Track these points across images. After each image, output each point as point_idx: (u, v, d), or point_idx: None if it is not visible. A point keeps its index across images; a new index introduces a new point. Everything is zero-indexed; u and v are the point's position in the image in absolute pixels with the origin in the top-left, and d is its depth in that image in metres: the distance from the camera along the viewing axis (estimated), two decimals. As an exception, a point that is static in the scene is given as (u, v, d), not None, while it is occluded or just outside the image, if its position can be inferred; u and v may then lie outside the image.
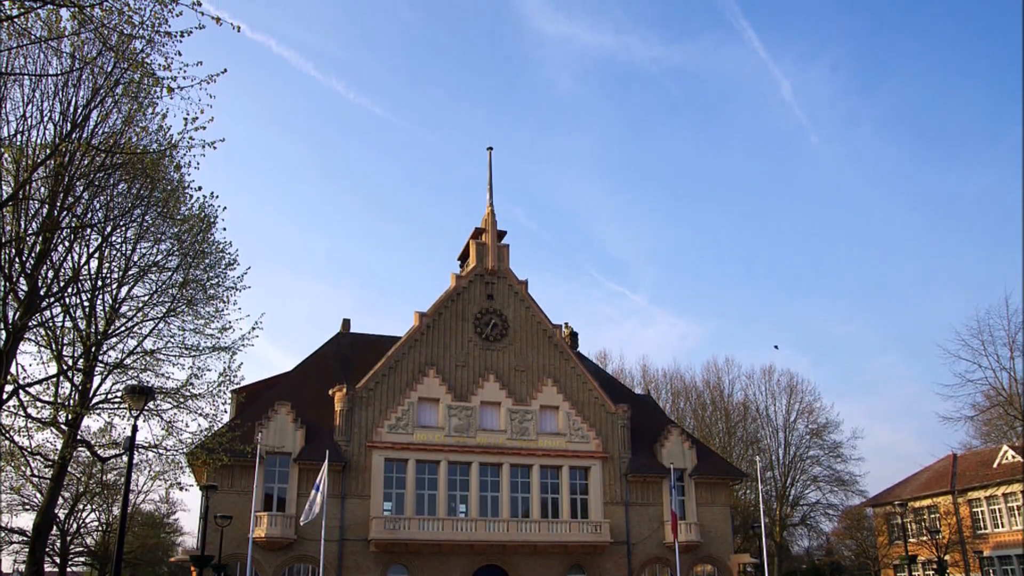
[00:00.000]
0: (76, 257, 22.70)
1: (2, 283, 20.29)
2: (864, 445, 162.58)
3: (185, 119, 17.01)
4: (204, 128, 17.23)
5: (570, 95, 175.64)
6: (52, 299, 21.80)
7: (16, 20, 13.23)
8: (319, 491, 36.79)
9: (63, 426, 22.07)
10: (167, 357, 24.69)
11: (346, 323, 53.03)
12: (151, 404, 22.69)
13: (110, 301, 23.77)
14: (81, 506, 54.93)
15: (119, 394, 23.03)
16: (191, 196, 24.23)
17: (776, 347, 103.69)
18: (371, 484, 43.60)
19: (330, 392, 45.52)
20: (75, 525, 55.49)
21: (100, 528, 60.10)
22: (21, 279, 20.78)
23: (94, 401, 23.14)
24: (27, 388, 21.18)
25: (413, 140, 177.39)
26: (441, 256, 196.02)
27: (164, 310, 24.53)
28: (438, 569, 43.22)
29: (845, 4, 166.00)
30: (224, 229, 36.13)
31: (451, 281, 49.60)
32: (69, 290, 22.48)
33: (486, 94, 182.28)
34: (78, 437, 23.04)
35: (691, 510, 48.95)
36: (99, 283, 23.34)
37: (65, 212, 21.07)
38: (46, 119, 19.94)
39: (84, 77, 19.82)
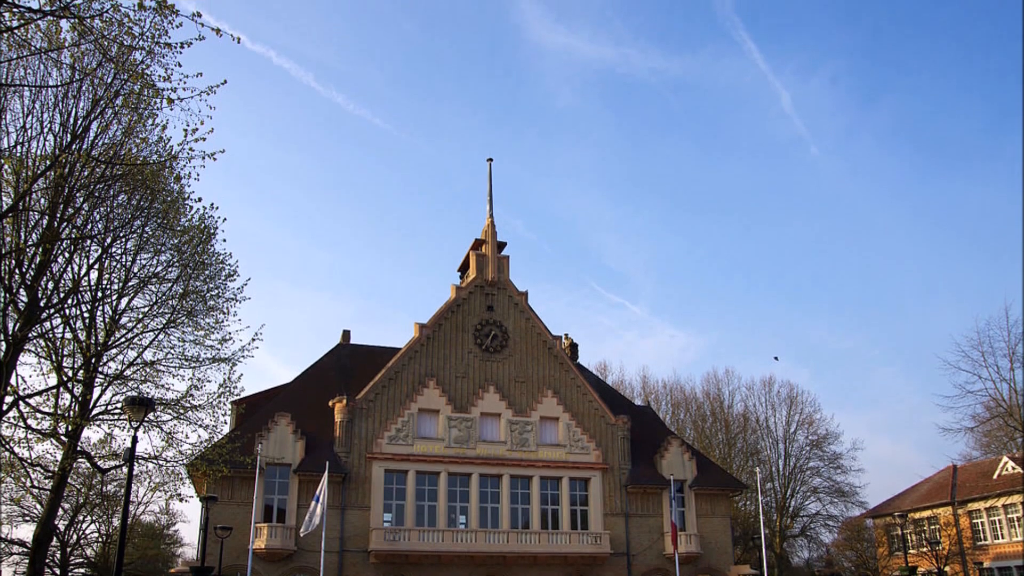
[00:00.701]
0: (76, 268, 22.71)
1: (2, 294, 20.30)
2: (864, 456, 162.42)
3: (185, 130, 17.09)
4: (204, 139, 17.29)
5: (570, 107, 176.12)
6: (52, 310, 21.80)
7: (16, 31, 13.30)
8: (319, 502, 36.80)
9: (63, 437, 22.06)
10: (167, 368, 24.74)
11: (346, 334, 53.10)
12: (151, 415, 22.73)
13: (110, 312, 23.79)
14: (81, 517, 54.81)
15: (119, 405, 23.09)
16: (191, 207, 24.30)
17: (776, 358, 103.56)
18: (371, 495, 43.58)
19: (330, 403, 45.52)
20: (75, 536, 55.32)
21: (100, 539, 59.93)
22: (21, 290, 20.78)
23: (94, 412, 23.16)
24: (27, 399, 21.17)
25: (413, 151, 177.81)
26: (441, 267, 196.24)
27: (164, 321, 24.56)
28: (438, 581, 43.15)
29: (845, 17, 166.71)
30: (224, 240, 36.27)
31: (451, 292, 49.66)
32: (69, 301, 22.48)
33: (486, 105, 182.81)
34: (78, 448, 23.03)
35: (691, 521, 48.89)
36: (99, 294, 23.35)
37: (65, 223, 21.09)
38: (46, 130, 20.01)
39: (84, 88, 19.89)
